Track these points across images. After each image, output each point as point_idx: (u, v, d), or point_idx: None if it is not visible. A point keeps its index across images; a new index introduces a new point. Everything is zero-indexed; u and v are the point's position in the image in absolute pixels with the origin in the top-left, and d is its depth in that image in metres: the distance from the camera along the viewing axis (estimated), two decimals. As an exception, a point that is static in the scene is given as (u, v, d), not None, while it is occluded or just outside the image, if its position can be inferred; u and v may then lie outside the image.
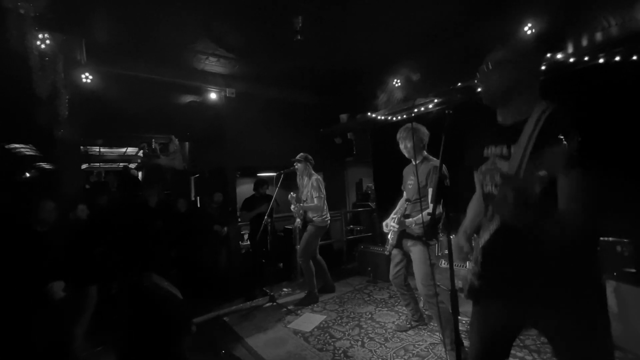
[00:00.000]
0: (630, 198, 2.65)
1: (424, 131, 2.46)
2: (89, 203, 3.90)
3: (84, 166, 8.83)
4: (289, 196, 3.73)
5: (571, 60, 3.03)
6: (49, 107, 3.11)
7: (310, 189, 3.56)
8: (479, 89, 1.21)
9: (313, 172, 3.68)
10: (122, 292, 3.54)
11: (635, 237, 2.51)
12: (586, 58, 2.98)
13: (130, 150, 8.83)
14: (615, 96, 2.72)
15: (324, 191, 3.61)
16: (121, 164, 9.06)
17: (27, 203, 2.86)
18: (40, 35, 2.75)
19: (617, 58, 2.85)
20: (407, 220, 2.42)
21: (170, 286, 3.15)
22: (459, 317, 2.76)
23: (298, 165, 3.63)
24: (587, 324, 1.02)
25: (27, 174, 6.28)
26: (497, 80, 1.16)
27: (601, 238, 2.69)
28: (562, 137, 0.98)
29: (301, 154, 3.70)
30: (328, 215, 3.68)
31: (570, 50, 3.03)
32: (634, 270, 2.31)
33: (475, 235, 1.31)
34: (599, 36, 2.83)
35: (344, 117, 5.58)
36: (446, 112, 1.22)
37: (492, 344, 1.23)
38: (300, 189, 3.74)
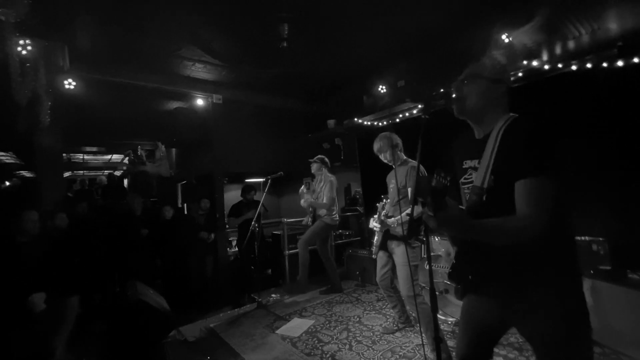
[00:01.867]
0: (605, 198, 2.77)
1: (395, 137, 2.57)
2: (71, 211, 3.83)
3: (67, 174, 8.62)
4: (300, 190, 3.93)
5: (546, 67, 3.17)
6: (29, 114, 3.05)
7: (324, 188, 3.81)
8: (454, 101, 1.27)
9: (329, 173, 3.97)
10: (104, 302, 3.47)
11: (609, 235, 2.61)
12: (560, 65, 3.12)
13: (116, 157, 8.68)
14: (585, 101, 2.84)
15: (335, 193, 3.85)
16: (106, 172, 8.89)
17: (8, 213, 2.79)
18: (21, 42, 2.71)
19: (589, 65, 3.00)
20: (389, 220, 2.48)
21: (155, 294, 3.11)
22: (444, 317, 2.82)
23: (313, 165, 3.93)
24: (565, 325, 1.03)
25: (8, 183, 6.10)
26: (467, 95, 1.22)
27: (577, 237, 2.81)
28: (515, 148, 1.05)
29: (319, 155, 4.02)
30: (338, 215, 3.91)
31: (545, 57, 3.17)
32: (609, 268, 2.40)
33: None
34: (571, 44, 2.97)
35: (331, 122, 5.64)
36: (422, 117, 1.27)
37: (477, 342, 1.26)
38: (315, 190, 3.96)
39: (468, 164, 1.27)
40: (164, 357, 2.57)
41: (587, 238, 2.75)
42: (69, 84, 3.81)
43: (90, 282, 3.36)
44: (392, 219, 2.47)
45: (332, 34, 3.66)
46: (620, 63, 2.84)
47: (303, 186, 4.02)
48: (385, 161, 2.56)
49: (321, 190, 3.86)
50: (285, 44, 3.66)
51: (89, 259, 3.39)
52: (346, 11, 3.19)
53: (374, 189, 4.76)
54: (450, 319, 2.80)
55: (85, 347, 2.85)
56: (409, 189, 2.34)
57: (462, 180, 1.30)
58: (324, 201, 3.77)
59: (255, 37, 3.65)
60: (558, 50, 3.08)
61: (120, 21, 3.18)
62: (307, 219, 3.98)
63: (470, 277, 1.20)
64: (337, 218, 3.92)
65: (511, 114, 1.19)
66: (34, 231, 2.95)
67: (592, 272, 2.44)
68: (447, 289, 2.92)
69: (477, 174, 1.17)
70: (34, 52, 2.86)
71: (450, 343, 2.31)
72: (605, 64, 2.91)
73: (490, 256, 1.11)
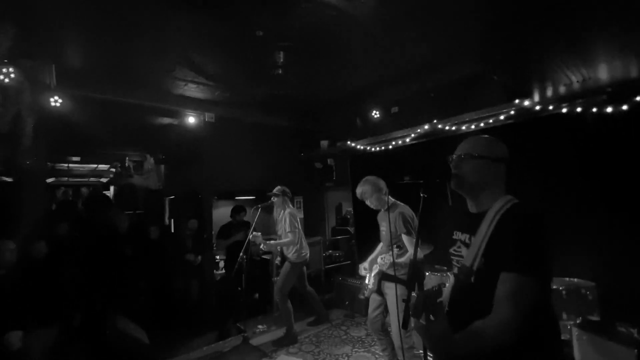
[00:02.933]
0: (598, 242, 2.80)
1: (380, 182, 2.52)
2: (51, 231, 3.68)
3: (50, 180, 8.35)
4: (251, 236, 3.51)
5: (537, 108, 3.23)
6: (11, 138, 2.94)
7: (285, 224, 3.55)
8: (452, 176, 1.24)
9: (289, 205, 3.67)
10: (84, 326, 3.33)
11: (600, 280, 2.62)
12: (551, 107, 3.18)
13: (102, 166, 8.47)
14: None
15: (298, 225, 3.59)
16: (92, 179, 8.66)
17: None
18: (4, 70, 2.61)
19: (579, 109, 3.06)
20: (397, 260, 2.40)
21: (136, 330, 3.01)
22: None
23: (275, 199, 3.61)
24: None
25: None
26: (466, 172, 1.20)
27: (566, 279, 2.82)
28: (508, 238, 1.03)
29: (278, 187, 3.69)
30: (305, 249, 3.65)
31: (536, 98, 3.22)
32: (597, 319, 2.41)
33: None
34: (562, 89, 3.03)
35: (324, 143, 5.63)
36: (421, 195, 1.24)
37: None
38: (277, 223, 3.70)
39: (458, 235, 1.25)
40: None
41: (575, 280, 2.77)
42: (55, 101, 3.70)
43: (70, 306, 3.23)
44: (400, 259, 2.41)
45: (327, 59, 3.65)
46: (609, 109, 2.91)
47: (253, 234, 3.51)
48: (372, 206, 2.52)
49: (283, 226, 3.58)
50: (280, 71, 3.63)
51: (69, 284, 3.26)
52: (342, 38, 3.19)
53: (366, 212, 4.75)
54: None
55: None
56: (404, 236, 2.32)
57: (451, 250, 1.28)
58: (289, 238, 3.49)
59: (250, 62, 3.62)
60: (549, 93, 3.14)
61: (111, 40, 3.11)
62: (276, 260, 3.81)
63: None
64: (305, 254, 3.63)
65: (508, 197, 1.17)
66: (11, 261, 2.83)
67: (579, 320, 2.43)
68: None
69: (468, 252, 1.15)
70: (18, 76, 2.76)
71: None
72: (594, 109, 2.98)
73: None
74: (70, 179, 8.93)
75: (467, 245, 1.18)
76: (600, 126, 2.89)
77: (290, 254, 3.53)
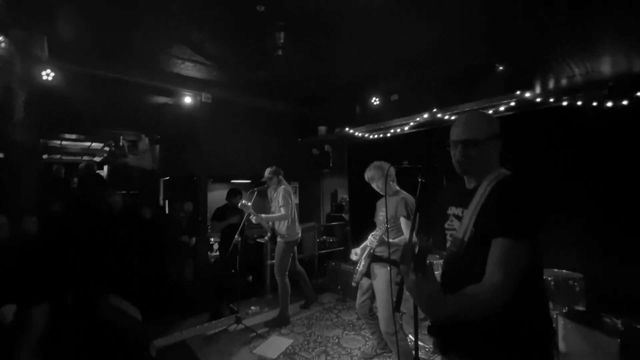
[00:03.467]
0: (587, 234, 2.84)
1: (389, 167, 2.51)
2: (45, 210, 3.65)
3: (43, 156, 8.22)
4: (239, 204, 3.50)
5: (538, 100, 3.21)
6: (1, 109, 2.86)
7: (278, 198, 3.52)
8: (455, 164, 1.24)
9: (284, 182, 3.63)
10: (76, 305, 3.34)
11: (587, 273, 2.67)
12: (552, 100, 3.16)
13: (95, 145, 8.34)
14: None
15: (291, 201, 3.56)
16: (85, 157, 8.54)
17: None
18: (-6, 38, 2.51)
19: (579, 103, 3.05)
20: (392, 240, 2.41)
21: (129, 307, 3.01)
22: (422, 344, 2.85)
23: (269, 183, 3.61)
24: None
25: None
26: (470, 158, 1.19)
27: (555, 269, 2.87)
28: (498, 207, 1.06)
29: (268, 169, 3.65)
30: (298, 229, 3.64)
31: (538, 90, 3.20)
32: (583, 309, 2.47)
33: None
34: (564, 82, 3.00)
35: (322, 129, 5.57)
36: (419, 180, 1.23)
37: None
38: (271, 201, 3.68)
39: (452, 210, 1.27)
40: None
41: (564, 271, 2.82)
42: (48, 75, 3.60)
43: (62, 284, 3.23)
44: (393, 240, 2.43)
45: (329, 43, 3.57)
46: (609, 104, 2.90)
47: (243, 202, 3.50)
48: (377, 190, 2.53)
49: (278, 200, 3.53)
50: (280, 52, 3.55)
51: (61, 261, 3.25)
52: (345, 23, 3.11)
53: (362, 199, 4.76)
54: (428, 346, 2.84)
55: (53, 352, 2.75)
56: (402, 219, 2.33)
57: (445, 225, 1.29)
58: (281, 212, 3.44)
59: (250, 42, 3.53)
60: (551, 85, 3.11)
61: (106, 13, 3.00)
62: (266, 237, 3.76)
63: (449, 336, 1.18)
64: (298, 232, 3.61)
65: (502, 170, 1.19)
66: (3, 236, 2.81)
67: (565, 310, 2.49)
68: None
69: (460, 224, 1.18)
70: (9, 46, 2.66)
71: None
72: (595, 103, 2.97)
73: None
74: (63, 157, 8.81)
75: (459, 218, 1.20)
76: (597, 120, 2.88)
77: (283, 230, 3.50)
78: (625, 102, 2.84)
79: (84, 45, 3.61)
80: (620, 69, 2.79)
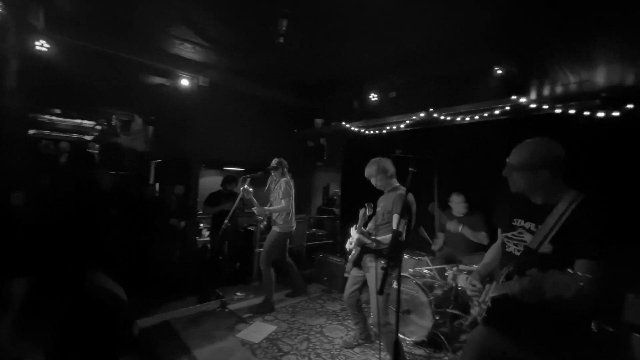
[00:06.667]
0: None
1: (388, 163, 2.53)
2: (32, 184, 3.58)
3: (32, 132, 8.02)
4: (242, 188, 3.49)
5: (532, 106, 3.26)
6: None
7: (279, 190, 3.55)
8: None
9: (286, 175, 3.68)
10: (60, 286, 3.30)
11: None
12: (545, 106, 3.22)
13: (87, 123, 8.17)
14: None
15: (292, 194, 3.60)
16: (75, 135, 8.37)
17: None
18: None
19: (572, 111, 3.11)
20: (377, 239, 2.43)
21: (114, 286, 2.99)
22: (402, 336, 2.90)
23: (274, 173, 3.66)
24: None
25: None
26: (521, 181, 1.31)
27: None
28: (587, 232, 1.14)
29: (275, 160, 3.70)
30: (294, 221, 3.68)
31: (533, 96, 3.25)
32: None
33: (487, 278, 1.45)
34: (559, 89, 3.06)
35: (318, 122, 5.57)
36: (410, 169, 1.26)
37: None
38: (271, 192, 3.71)
39: (520, 222, 1.36)
40: (115, 353, 2.49)
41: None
42: (42, 45, 3.52)
43: (47, 259, 3.19)
44: (380, 237, 2.43)
45: (330, 35, 3.56)
46: (601, 114, 2.97)
47: (245, 187, 3.47)
48: (376, 186, 2.54)
49: (278, 194, 3.57)
50: (282, 40, 3.52)
51: (47, 237, 3.20)
52: (349, 15, 3.10)
53: (354, 195, 4.79)
54: (408, 339, 2.90)
55: (34, 330, 2.72)
56: (395, 215, 2.35)
57: (509, 234, 1.39)
58: (282, 204, 3.48)
59: (252, 25, 3.49)
60: (546, 92, 3.17)
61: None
62: (262, 224, 3.80)
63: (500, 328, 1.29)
64: (293, 224, 3.66)
65: (574, 191, 1.26)
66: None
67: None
68: (409, 309, 3.01)
69: (533, 237, 1.26)
70: (3, 12, 2.59)
71: (405, 366, 2.38)
72: (587, 113, 3.04)
73: (525, 319, 1.22)
74: (53, 133, 8.61)
75: (531, 232, 1.29)
76: (589, 130, 2.94)
77: (280, 221, 3.54)
78: (616, 114, 2.91)
79: (81, 17, 3.52)
80: (613, 80, 2.85)
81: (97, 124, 7.34)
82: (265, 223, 3.78)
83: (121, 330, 2.57)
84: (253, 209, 3.55)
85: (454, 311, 2.88)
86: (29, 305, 2.72)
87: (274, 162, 3.68)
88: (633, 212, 2.53)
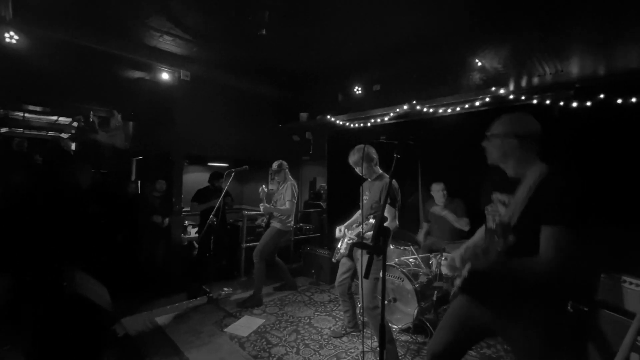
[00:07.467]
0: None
1: (372, 151, 2.55)
2: (5, 180, 3.44)
3: (3, 130, 7.65)
4: (260, 190, 3.74)
5: (510, 97, 3.36)
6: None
7: (285, 192, 3.66)
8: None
9: (290, 177, 3.81)
10: (37, 286, 3.19)
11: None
12: (523, 97, 3.32)
13: (63, 119, 7.86)
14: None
15: (296, 196, 3.74)
16: (50, 133, 8.04)
17: None
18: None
19: (548, 102, 3.22)
20: (367, 234, 2.46)
21: (95, 284, 2.92)
22: (389, 324, 2.96)
23: (276, 176, 3.78)
24: (546, 333, 1.20)
25: None
26: (494, 149, 1.36)
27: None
28: (550, 199, 1.18)
29: (276, 162, 3.81)
30: (292, 221, 3.78)
31: (511, 88, 3.35)
32: None
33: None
34: (535, 80, 3.16)
35: (303, 116, 5.55)
36: (395, 155, 1.28)
37: (455, 340, 1.41)
38: (275, 194, 3.83)
39: (497, 196, 1.40)
40: (100, 354, 2.44)
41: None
42: (11, 37, 3.36)
43: (20, 259, 3.07)
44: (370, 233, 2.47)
45: (314, 27, 3.54)
46: (574, 104, 3.08)
47: (263, 187, 3.79)
48: (361, 174, 2.56)
49: (283, 195, 3.71)
50: (264, 32, 3.48)
51: (20, 236, 3.09)
52: (331, 6, 3.09)
53: (340, 188, 4.81)
54: (395, 327, 2.96)
55: (11, 335, 2.63)
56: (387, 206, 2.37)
57: (488, 207, 1.45)
58: (287, 206, 3.62)
59: (233, 18, 3.43)
60: (524, 83, 3.26)
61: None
62: (261, 220, 3.91)
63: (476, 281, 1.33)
64: (292, 224, 3.80)
65: (544, 165, 1.30)
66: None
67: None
68: (395, 297, 3.07)
69: (506, 211, 1.30)
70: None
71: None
72: (562, 103, 3.15)
73: (500, 275, 1.26)
74: (26, 131, 8.24)
75: (505, 205, 1.33)
76: (563, 121, 3.05)
77: (281, 219, 3.64)
78: (588, 104, 3.03)
79: (53, 7, 3.37)
80: (587, 71, 2.96)
81: (74, 121, 7.08)
82: (266, 220, 3.86)
83: (103, 330, 2.51)
84: (260, 205, 3.67)
85: (439, 292, 2.92)
86: (5, 307, 2.62)
87: (275, 165, 3.77)
88: (606, 195, 2.64)
